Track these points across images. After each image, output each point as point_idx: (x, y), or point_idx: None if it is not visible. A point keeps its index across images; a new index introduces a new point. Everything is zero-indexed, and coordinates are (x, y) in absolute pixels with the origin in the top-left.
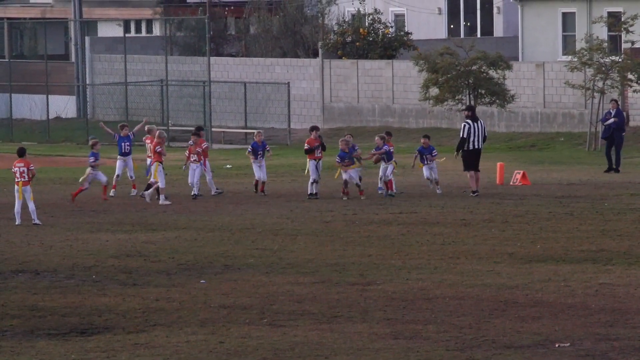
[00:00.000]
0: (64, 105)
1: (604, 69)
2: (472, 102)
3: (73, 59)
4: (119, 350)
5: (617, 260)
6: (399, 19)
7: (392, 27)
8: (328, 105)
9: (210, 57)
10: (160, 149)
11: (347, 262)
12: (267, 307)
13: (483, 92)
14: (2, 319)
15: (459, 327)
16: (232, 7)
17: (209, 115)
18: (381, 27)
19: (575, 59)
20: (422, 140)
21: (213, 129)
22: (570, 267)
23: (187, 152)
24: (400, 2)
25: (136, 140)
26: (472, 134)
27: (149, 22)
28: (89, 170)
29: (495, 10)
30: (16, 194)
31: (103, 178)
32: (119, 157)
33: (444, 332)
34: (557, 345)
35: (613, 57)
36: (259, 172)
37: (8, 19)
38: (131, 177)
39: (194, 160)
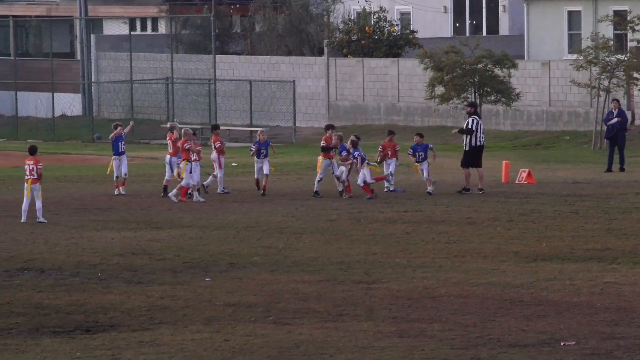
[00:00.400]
0: (69, 103)
1: (609, 67)
2: (478, 101)
3: (78, 56)
4: (124, 348)
5: (623, 259)
6: (405, 17)
7: (397, 25)
8: (333, 103)
9: (216, 55)
10: (188, 146)
11: (352, 261)
12: (272, 305)
13: (488, 90)
14: (7, 316)
15: (464, 325)
16: (237, 5)
17: (214, 113)
18: (387, 26)
19: (581, 58)
20: (415, 139)
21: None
22: (576, 266)
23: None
24: (406, 0)
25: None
26: (479, 130)
27: (155, 20)
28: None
29: (500, 8)
30: (25, 192)
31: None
32: (114, 157)
33: (449, 331)
34: (562, 344)
35: (619, 56)
36: (260, 171)
37: (13, 16)
38: (125, 174)
39: (194, 159)
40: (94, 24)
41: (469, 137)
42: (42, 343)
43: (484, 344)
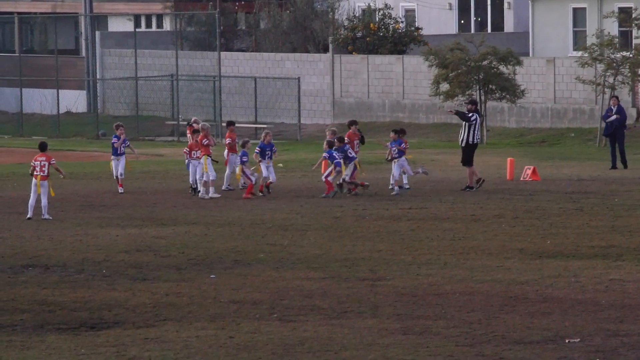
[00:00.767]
0: (74, 100)
1: (614, 64)
2: (483, 98)
3: (83, 53)
4: (129, 345)
5: (628, 256)
6: (410, 14)
7: (402, 22)
8: (338, 100)
9: (221, 52)
10: (207, 142)
11: (356, 258)
12: (277, 302)
13: (493, 87)
14: (12, 313)
15: (468, 322)
16: (242, 2)
17: (219, 110)
18: (391, 23)
19: (586, 55)
20: (390, 135)
21: (223, 124)
22: (581, 263)
23: (187, 148)
24: None
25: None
26: (476, 128)
27: (159, 17)
28: (240, 168)
29: (505, 5)
30: (33, 188)
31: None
32: (112, 157)
33: (454, 328)
34: (567, 341)
35: (624, 53)
36: (266, 172)
37: (18, 13)
38: (121, 174)
39: (196, 157)
40: (98, 21)
41: (465, 133)
42: (47, 340)
43: (488, 341)
